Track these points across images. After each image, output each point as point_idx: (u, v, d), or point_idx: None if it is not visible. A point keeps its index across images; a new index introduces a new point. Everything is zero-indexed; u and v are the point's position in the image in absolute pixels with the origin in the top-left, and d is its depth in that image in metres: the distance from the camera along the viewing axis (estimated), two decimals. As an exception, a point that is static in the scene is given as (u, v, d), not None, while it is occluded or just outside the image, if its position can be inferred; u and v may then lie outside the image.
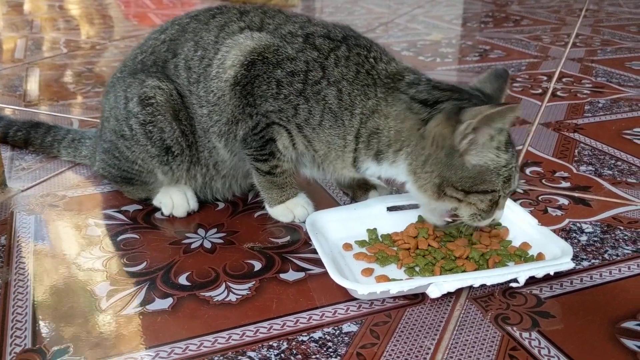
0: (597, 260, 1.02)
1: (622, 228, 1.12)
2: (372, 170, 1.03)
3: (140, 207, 1.21)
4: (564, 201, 1.22)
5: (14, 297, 0.94)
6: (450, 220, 1.01)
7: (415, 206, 1.10)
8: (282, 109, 1.03)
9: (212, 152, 1.14)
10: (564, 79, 2.13)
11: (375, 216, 1.09)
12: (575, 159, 1.44)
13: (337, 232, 1.06)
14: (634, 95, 1.93)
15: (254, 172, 1.12)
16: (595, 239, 1.08)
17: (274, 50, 1.04)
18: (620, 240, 1.08)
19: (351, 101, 1.00)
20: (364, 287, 0.87)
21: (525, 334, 0.84)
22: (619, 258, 1.02)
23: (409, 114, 0.96)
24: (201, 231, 1.12)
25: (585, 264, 1.01)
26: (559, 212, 1.18)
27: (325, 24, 1.09)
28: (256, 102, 1.04)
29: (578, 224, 1.13)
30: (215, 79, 1.08)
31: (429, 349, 0.82)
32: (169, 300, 0.92)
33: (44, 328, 0.86)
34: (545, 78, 2.14)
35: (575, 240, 1.08)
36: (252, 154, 1.08)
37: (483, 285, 0.92)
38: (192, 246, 1.07)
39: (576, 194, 1.25)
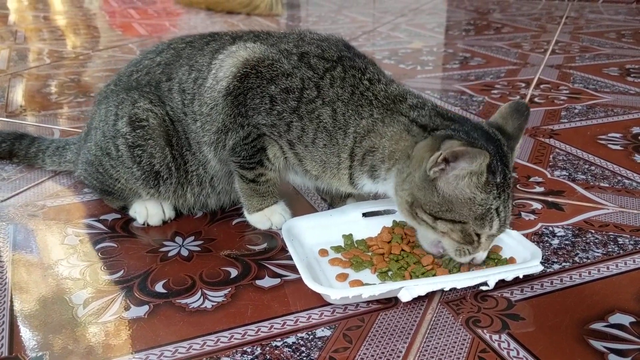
0: (567, 264, 1.04)
1: (593, 231, 1.14)
2: (368, 187, 1.03)
3: (118, 215, 1.22)
4: (537, 205, 1.24)
5: (-10, 306, 0.94)
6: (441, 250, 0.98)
7: (390, 212, 1.12)
8: (275, 124, 1.04)
9: (206, 166, 1.15)
10: (542, 86, 2.16)
11: (351, 222, 1.11)
12: (550, 164, 1.46)
13: (313, 238, 1.08)
14: (610, 101, 1.96)
15: (237, 179, 1.13)
16: (567, 242, 1.10)
17: (268, 64, 1.05)
18: (591, 244, 1.10)
19: (345, 121, 1.00)
20: (336, 292, 0.88)
21: (495, 337, 0.86)
22: (589, 261, 1.04)
23: (405, 135, 0.96)
24: (179, 239, 1.13)
25: (556, 267, 1.03)
26: (532, 217, 1.20)
27: (319, 42, 1.09)
28: (248, 114, 1.05)
29: (550, 228, 1.15)
30: (209, 89, 1.09)
31: (401, 352, 0.83)
32: (145, 308, 0.93)
33: (21, 336, 0.87)
34: (523, 85, 2.17)
35: (547, 244, 1.10)
36: (240, 162, 1.10)
37: (454, 289, 0.94)
38: (170, 254, 1.08)
39: (550, 199, 1.28)
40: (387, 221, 1.11)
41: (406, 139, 0.96)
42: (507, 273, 0.93)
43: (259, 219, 1.16)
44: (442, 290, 0.95)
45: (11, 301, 0.95)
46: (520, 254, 1.00)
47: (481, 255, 0.94)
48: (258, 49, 1.08)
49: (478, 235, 0.92)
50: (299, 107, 1.02)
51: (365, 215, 1.12)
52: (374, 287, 0.89)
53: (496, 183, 0.90)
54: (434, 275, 0.96)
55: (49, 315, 0.92)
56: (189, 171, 1.16)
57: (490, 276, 0.92)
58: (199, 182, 1.17)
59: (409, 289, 0.89)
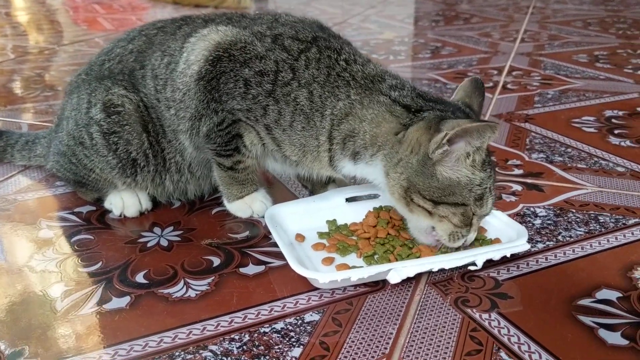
0: (551, 242, 1.04)
1: (574, 211, 1.14)
2: (348, 169, 1.01)
3: (94, 207, 1.19)
4: (517, 187, 1.25)
5: (-37, 302, 0.90)
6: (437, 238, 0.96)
7: (373, 196, 1.11)
8: (251, 108, 1.01)
9: (184, 154, 1.13)
10: (513, 73, 2.17)
11: (334, 207, 1.09)
12: (527, 147, 1.47)
13: (296, 224, 1.06)
14: (582, 86, 1.98)
15: (215, 167, 1.11)
16: (549, 222, 1.11)
17: (241, 47, 1.02)
18: (573, 223, 1.10)
19: (322, 103, 0.98)
20: (324, 276, 0.87)
21: (485, 316, 0.85)
22: (572, 239, 1.05)
23: (388, 116, 0.94)
24: (157, 229, 1.11)
25: (540, 246, 1.03)
26: (513, 198, 1.20)
27: (293, 23, 1.07)
28: (222, 99, 1.03)
29: (532, 209, 1.16)
30: (181, 74, 1.06)
31: (391, 334, 0.82)
32: (127, 299, 0.90)
33: (-4, 332, 0.84)
34: (495, 72, 2.18)
35: (530, 224, 1.10)
36: (216, 149, 1.07)
37: (442, 270, 0.93)
38: (149, 245, 1.05)
39: (529, 180, 1.28)
40: (369, 206, 1.10)
41: (389, 120, 0.95)
42: (495, 252, 0.93)
43: (239, 207, 1.14)
44: (429, 272, 0.94)
45: (-15, 297, 0.92)
46: (506, 234, 0.99)
47: (472, 236, 0.93)
48: (230, 31, 1.06)
49: (473, 216, 0.91)
50: (274, 90, 1.00)
51: (348, 200, 1.11)
52: (362, 270, 0.88)
53: (489, 161, 0.90)
54: (419, 257, 0.95)
55: (26, 310, 0.88)
56: (167, 159, 1.13)
57: (478, 256, 0.91)
58: (178, 169, 1.14)
59: (398, 271, 0.88)
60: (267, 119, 1.01)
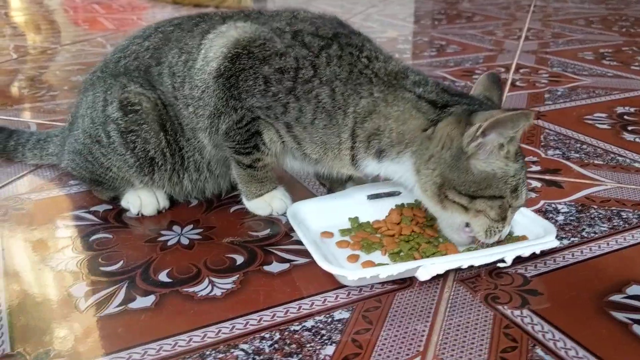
0: (576, 239, 1.03)
1: (595, 207, 1.14)
2: (371, 167, 0.99)
3: (110, 206, 1.17)
4: (536, 184, 1.24)
5: (-16, 302, 0.89)
6: (471, 235, 0.95)
7: (394, 193, 1.10)
8: (271, 106, 1.00)
9: (202, 152, 1.11)
10: (521, 70, 2.17)
11: (355, 205, 1.08)
12: (542, 144, 1.46)
13: (318, 221, 1.04)
14: (590, 83, 1.98)
15: (234, 165, 1.09)
16: (572, 218, 1.10)
17: (260, 44, 1.00)
18: (596, 219, 1.09)
19: (344, 101, 0.96)
20: (354, 273, 0.86)
21: (517, 312, 0.84)
22: (596, 235, 1.04)
23: (415, 112, 0.93)
24: (177, 228, 1.09)
25: (565, 242, 1.02)
26: (532, 195, 1.19)
27: (313, 19, 1.05)
28: (241, 96, 1.01)
29: (553, 205, 1.15)
30: (199, 72, 1.05)
31: (423, 331, 0.81)
32: (152, 298, 0.89)
33: (21, 332, 0.82)
34: (503, 69, 2.18)
35: (553, 220, 1.09)
36: (235, 147, 1.06)
37: (471, 267, 0.92)
38: (169, 243, 1.04)
39: (547, 177, 1.27)
40: (391, 203, 1.09)
41: (416, 117, 0.93)
42: (525, 249, 0.92)
43: (259, 205, 1.12)
44: (456, 269, 0.93)
45: (7, 296, 0.90)
46: (532, 231, 0.98)
47: (506, 230, 0.93)
48: (249, 28, 1.04)
49: (508, 209, 0.91)
50: (294, 88, 0.99)
51: (369, 197, 1.09)
52: (391, 267, 0.87)
53: (520, 152, 0.90)
54: (445, 255, 0.94)
55: (49, 310, 0.87)
56: (185, 157, 1.12)
57: (508, 252, 0.90)
58: (197, 167, 1.13)
59: (427, 268, 0.86)
60: (288, 117, 1.00)
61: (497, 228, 0.91)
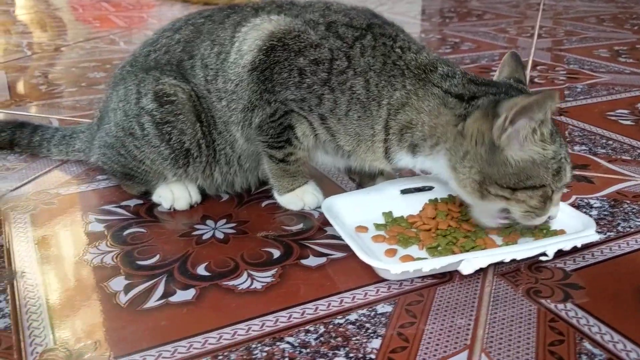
0: (611, 233, 1.03)
1: (628, 202, 1.13)
2: (405, 161, 0.99)
3: (140, 201, 1.17)
4: (567, 179, 1.23)
5: (24, 296, 0.88)
6: (504, 221, 0.95)
7: (428, 188, 1.09)
8: (305, 98, 1.00)
9: (234, 146, 1.11)
10: (538, 67, 2.16)
11: (388, 199, 1.08)
12: (568, 139, 1.45)
13: (352, 216, 1.04)
14: (609, 80, 1.97)
15: (266, 159, 1.09)
16: (605, 213, 1.09)
17: (295, 36, 1.00)
18: (630, 213, 1.09)
19: (379, 92, 0.96)
20: (397, 267, 0.85)
21: (561, 306, 0.84)
22: (632, 230, 1.03)
23: (443, 109, 0.93)
24: (210, 222, 1.09)
25: (602, 237, 1.01)
26: (564, 190, 1.18)
27: (346, 10, 1.05)
28: (275, 89, 1.01)
29: (585, 200, 1.14)
30: (233, 65, 1.04)
31: (469, 325, 0.80)
32: (192, 291, 0.88)
33: (63, 326, 0.82)
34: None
35: (587, 215, 1.08)
36: (267, 141, 1.05)
37: (512, 261, 0.91)
38: (204, 237, 1.03)
39: (577, 172, 1.27)
40: (423, 198, 1.08)
41: (445, 114, 0.93)
42: (566, 242, 0.91)
43: (290, 200, 1.12)
44: (495, 264, 0.92)
45: (44, 290, 0.90)
46: (570, 225, 0.98)
47: (555, 210, 0.92)
48: (283, 20, 1.04)
49: (551, 192, 0.90)
50: (329, 79, 0.98)
51: (403, 192, 1.09)
52: (434, 261, 0.86)
53: (556, 131, 0.89)
54: (484, 249, 0.94)
55: (90, 304, 0.87)
56: (217, 150, 1.11)
57: (549, 246, 0.90)
58: (227, 161, 1.12)
59: (470, 261, 0.86)
60: (322, 109, 1.00)
61: (536, 213, 0.91)
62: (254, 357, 0.75)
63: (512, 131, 0.86)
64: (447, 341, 0.77)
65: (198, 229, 1.06)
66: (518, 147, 0.87)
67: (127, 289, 0.89)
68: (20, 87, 1.99)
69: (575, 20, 3.12)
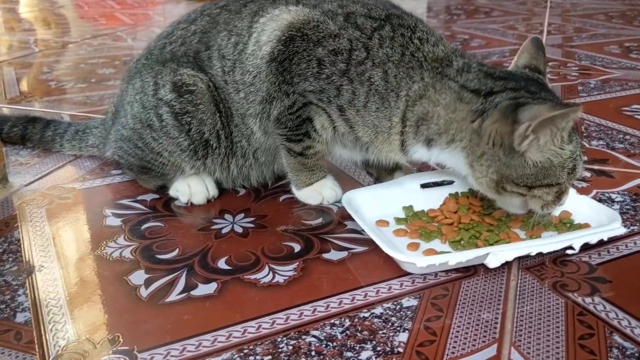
0: (635, 227, 1.01)
1: (650, 196, 1.12)
2: (420, 154, 0.98)
3: (156, 195, 1.16)
4: (586, 173, 1.22)
5: (43, 290, 0.87)
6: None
7: (448, 182, 1.08)
8: (324, 89, 0.99)
9: (250, 139, 1.09)
10: (550, 64, 2.14)
11: (408, 193, 1.06)
12: (585, 134, 1.44)
13: (372, 210, 1.03)
14: (622, 76, 1.96)
15: (284, 153, 1.08)
16: (628, 207, 1.08)
17: (314, 26, 0.99)
18: (653, 208, 1.08)
19: (397, 83, 0.95)
20: (423, 260, 0.84)
21: (588, 300, 0.83)
22: (656, 224, 1.02)
23: (459, 104, 0.92)
24: (228, 217, 1.08)
25: (626, 230, 1.00)
26: (584, 184, 1.17)
27: (364, 1, 1.04)
28: (294, 80, 1.00)
29: (607, 194, 1.13)
30: (251, 56, 1.03)
31: (496, 319, 0.79)
32: (213, 285, 0.87)
33: (84, 319, 0.81)
34: (531, 63, 2.15)
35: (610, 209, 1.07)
36: (286, 134, 1.04)
37: (538, 254, 0.90)
38: (223, 231, 1.02)
39: (596, 167, 1.25)
40: (443, 192, 1.07)
41: (461, 109, 0.92)
42: (592, 236, 0.90)
43: (309, 194, 1.11)
44: (520, 258, 0.91)
45: (64, 284, 0.88)
46: (595, 219, 0.97)
47: (565, 197, 0.92)
48: (302, 11, 1.03)
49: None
50: (348, 70, 0.97)
51: (423, 186, 1.08)
52: (461, 254, 0.85)
53: (573, 129, 0.89)
54: (508, 243, 0.93)
55: (111, 297, 0.86)
56: (234, 142, 1.10)
57: (576, 239, 0.89)
58: (243, 154, 1.11)
59: (497, 255, 0.85)
60: (341, 100, 0.99)
61: (551, 205, 0.91)
62: (280, 350, 0.74)
63: (533, 138, 0.85)
64: (476, 335, 0.76)
65: (217, 223, 1.05)
66: (537, 150, 0.87)
67: (147, 283, 0.88)
68: (30, 84, 1.98)
69: (584, 17, 3.10)
